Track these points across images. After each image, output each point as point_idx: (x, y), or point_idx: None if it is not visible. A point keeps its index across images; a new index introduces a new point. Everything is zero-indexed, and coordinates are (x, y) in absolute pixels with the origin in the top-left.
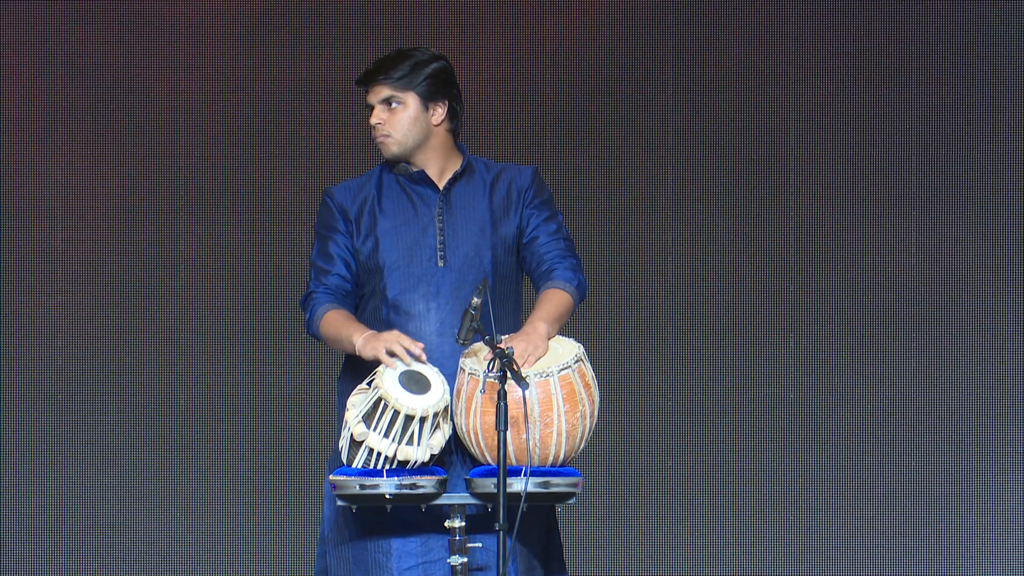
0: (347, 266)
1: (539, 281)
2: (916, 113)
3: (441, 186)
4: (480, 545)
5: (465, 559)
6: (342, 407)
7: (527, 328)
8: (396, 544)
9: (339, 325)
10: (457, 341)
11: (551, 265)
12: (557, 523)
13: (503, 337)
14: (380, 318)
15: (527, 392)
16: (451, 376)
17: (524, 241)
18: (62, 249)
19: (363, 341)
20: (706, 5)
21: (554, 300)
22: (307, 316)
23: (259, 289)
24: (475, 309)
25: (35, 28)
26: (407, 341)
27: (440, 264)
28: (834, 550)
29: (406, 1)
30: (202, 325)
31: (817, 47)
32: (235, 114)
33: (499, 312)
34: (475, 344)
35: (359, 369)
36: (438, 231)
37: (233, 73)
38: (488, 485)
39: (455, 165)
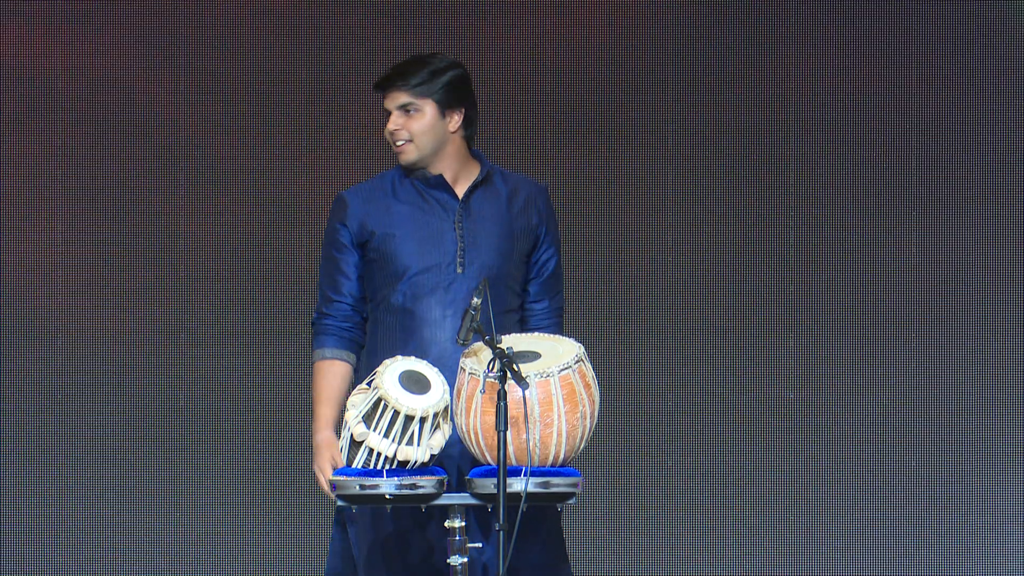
0: (354, 289)
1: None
2: (916, 113)
3: (459, 192)
4: (480, 545)
5: (465, 559)
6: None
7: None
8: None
9: (318, 390)
10: (457, 341)
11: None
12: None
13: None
14: (392, 324)
15: (527, 392)
16: (452, 376)
17: (538, 269)
18: (62, 249)
19: (316, 443)
20: (706, 5)
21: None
22: (313, 346)
23: (259, 289)
24: (475, 309)
25: (35, 28)
26: (328, 470)
27: (459, 271)
28: (834, 550)
29: (406, 1)
30: (202, 325)
31: (817, 47)
32: (235, 114)
33: (505, 321)
34: (475, 344)
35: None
36: (458, 238)
37: (233, 73)
38: (488, 485)
39: (470, 171)
